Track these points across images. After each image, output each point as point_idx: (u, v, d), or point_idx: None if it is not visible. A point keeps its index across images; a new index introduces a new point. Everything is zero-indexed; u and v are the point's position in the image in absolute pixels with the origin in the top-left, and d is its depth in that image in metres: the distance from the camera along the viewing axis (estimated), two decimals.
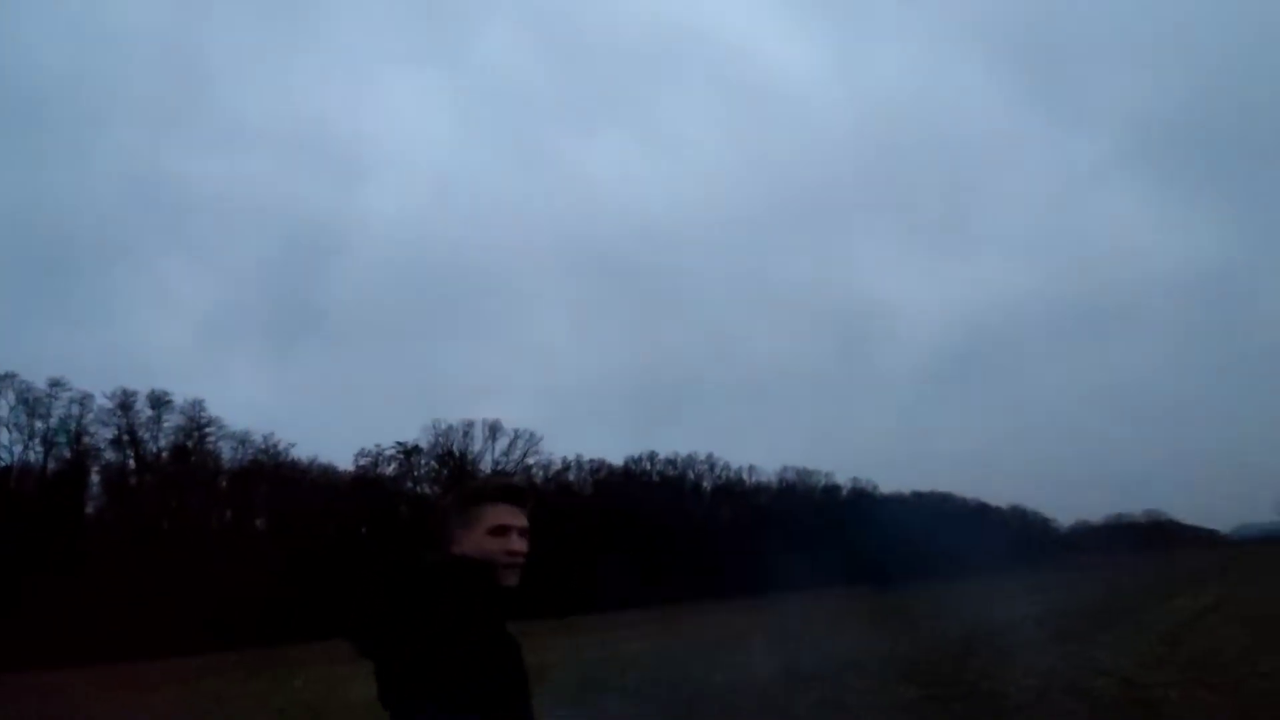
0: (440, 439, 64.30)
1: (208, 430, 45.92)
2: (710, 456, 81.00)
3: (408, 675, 1.77)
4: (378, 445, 61.35)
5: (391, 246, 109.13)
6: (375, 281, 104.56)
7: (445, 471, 63.77)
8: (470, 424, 65.67)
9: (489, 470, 65.32)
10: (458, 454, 64.34)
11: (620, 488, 70.42)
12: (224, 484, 47.41)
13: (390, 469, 61.26)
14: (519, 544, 1.92)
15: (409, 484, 62.75)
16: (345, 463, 57.69)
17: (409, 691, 1.77)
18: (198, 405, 45.56)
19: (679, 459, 78.46)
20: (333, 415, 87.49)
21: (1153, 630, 14.88)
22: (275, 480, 48.75)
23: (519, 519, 1.95)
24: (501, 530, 1.92)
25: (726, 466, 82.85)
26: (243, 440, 47.54)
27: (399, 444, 61.45)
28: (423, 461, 63.62)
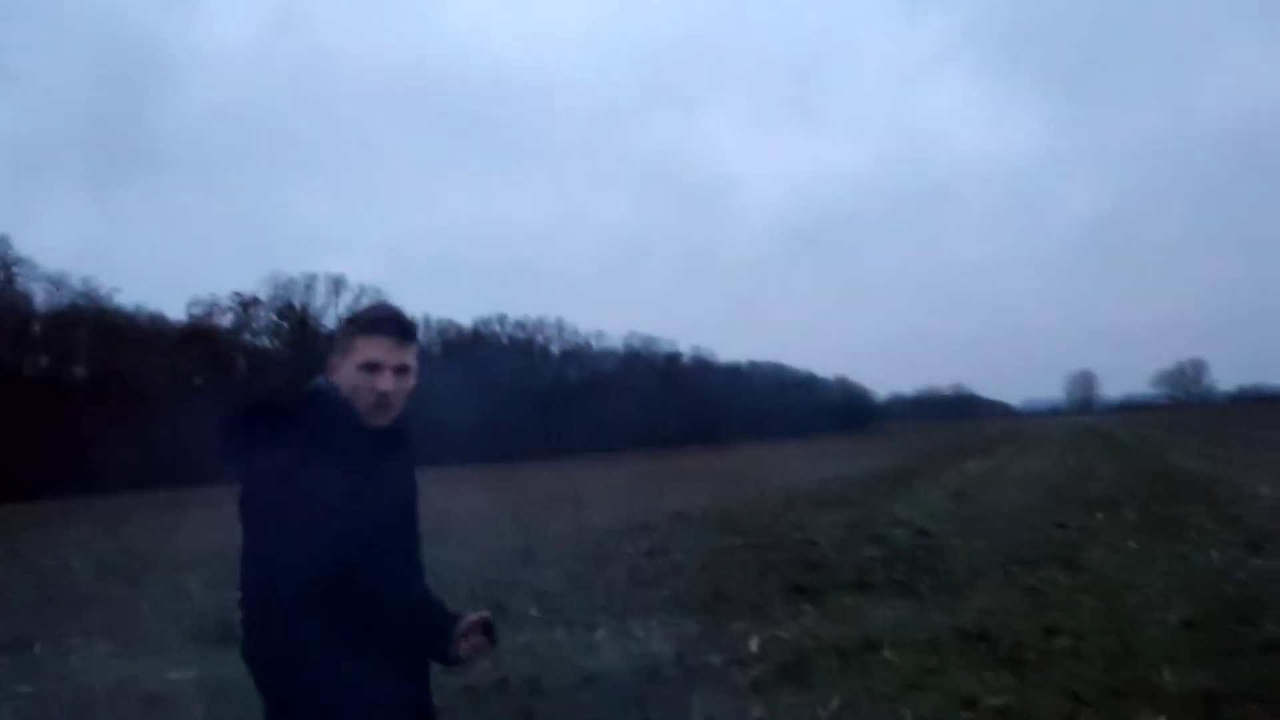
0: (280, 291, 61.13)
1: (16, 270, 41.52)
2: (559, 321, 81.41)
3: (245, 499, 1.74)
4: (212, 295, 57.75)
5: (230, 80, 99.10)
6: (211, 117, 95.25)
7: (286, 325, 61.02)
8: (313, 277, 62.60)
9: (334, 326, 63.08)
10: (299, 308, 61.49)
11: (469, 348, 69.84)
12: (38, 329, 43.45)
13: (226, 320, 57.95)
14: (386, 383, 1.78)
15: (247, 336, 59.75)
16: (176, 312, 54.17)
17: (245, 514, 1.75)
18: (4, 242, 41.00)
19: (528, 322, 78.25)
20: (162, 261, 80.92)
21: (945, 488, 16.63)
22: (96, 327, 45.06)
23: (395, 356, 1.80)
24: (372, 367, 1.78)
25: (575, 331, 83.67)
26: (58, 283, 43.30)
27: (236, 295, 58.03)
28: (262, 314, 60.47)
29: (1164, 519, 10.47)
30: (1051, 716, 4.02)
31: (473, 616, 1.88)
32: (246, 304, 58.45)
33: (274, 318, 61.32)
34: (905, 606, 6.59)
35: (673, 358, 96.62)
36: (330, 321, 63.24)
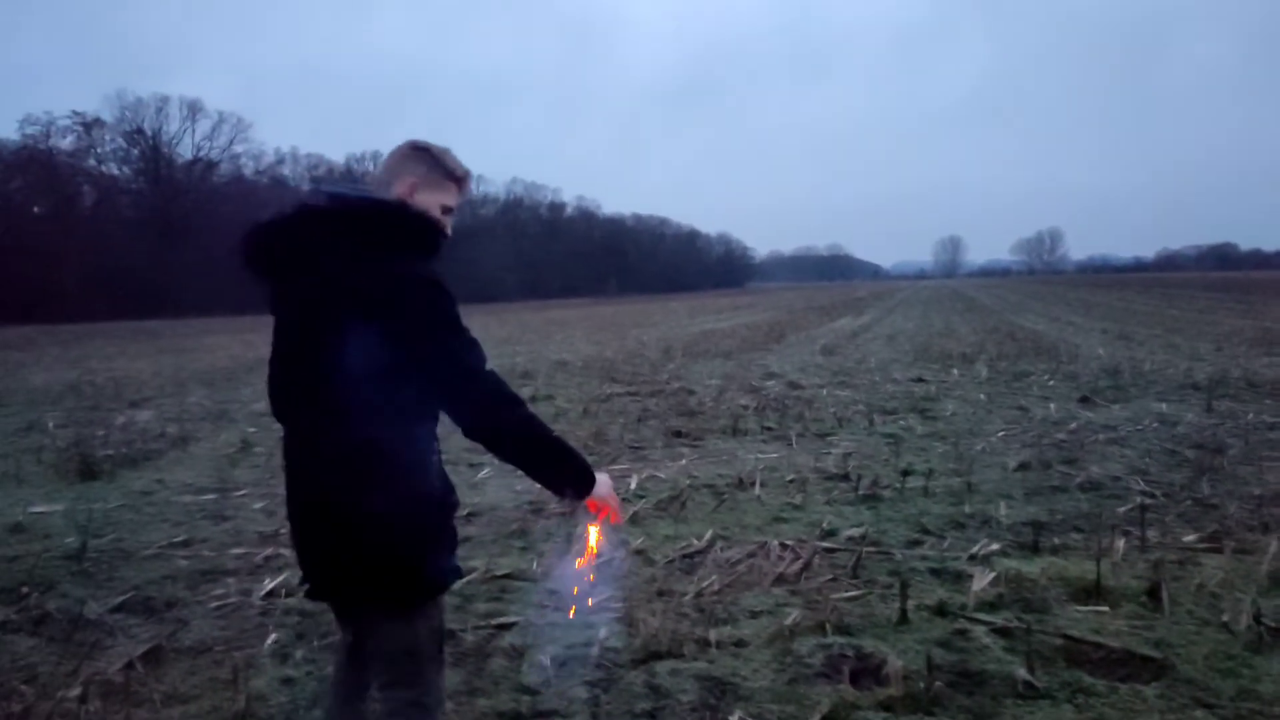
0: (128, 113, 55.83)
1: None
2: None
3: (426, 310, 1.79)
4: (49, 113, 52.23)
5: None
6: None
7: (136, 152, 56.08)
8: (165, 100, 57.35)
9: (193, 156, 58.64)
10: (150, 133, 56.44)
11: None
12: None
13: (67, 143, 52.59)
14: (449, 229, 1.99)
15: (91, 162, 54.65)
16: (7, 131, 48.96)
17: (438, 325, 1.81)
18: None
19: None
20: None
21: (816, 344, 17.40)
22: None
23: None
24: (449, 210, 1.98)
25: None
26: None
27: (76, 114, 52.52)
28: (107, 138, 55.19)
29: (1011, 374, 11.34)
30: (901, 544, 4.43)
31: None
32: (89, 125, 53.20)
33: (121, 143, 56.24)
34: (775, 450, 6.99)
35: (556, 207, 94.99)
36: (186, 151, 58.61)
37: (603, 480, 1.99)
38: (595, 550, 2.11)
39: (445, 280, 1.83)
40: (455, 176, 1.98)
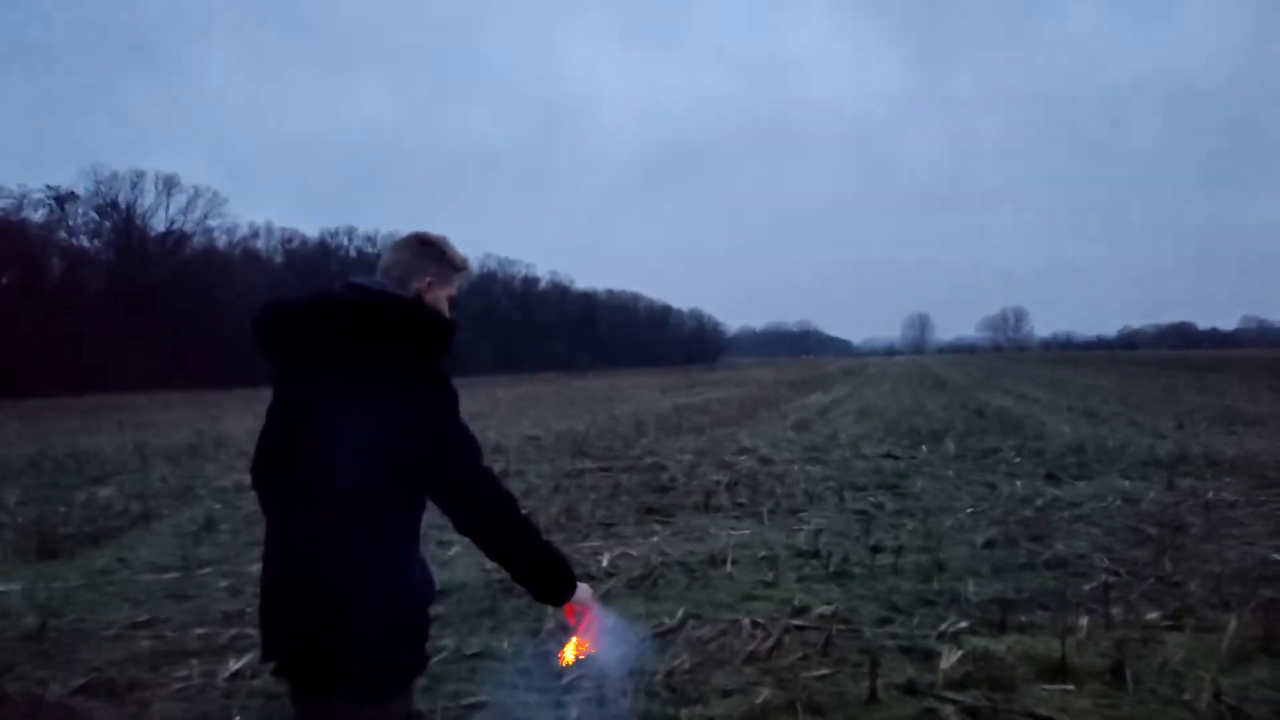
0: (103, 187, 55.95)
1: None
2: None
3: (441, 405, 1.85)
4: (21, 186, 52.35)
5: None
6: None
7: (109, 225, 56.00)
8: (140, 175, 57.52)
9: (165, 229, 58.75)
10: (124, 207, 56.50)
11: (314, 261, 66.60)
12: None
13: (39, 216, 52.62)
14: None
15: (62, 234, 54.58)
16: None
17: (447, 418, 1.86)
18: None
19: (378, 236, 75.07)
20: None
21: (787, 419, 17.53)
22: None
23: None
24: (451, 300, 2.08)
25: None
26: None
27: (50, 188, 52.66)
28: (80, 211, 55.22)
29: (979, 451, 11.49)
30: (871, 622, 4.45)
31: None
32: (62, 199, 53.27)
33: (95, 216, 56.27)
34: (747, 527, 7.01)
35: (530, 281, 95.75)
36: (160, 224, 58.67)
37: (583, 588, 2.02)
38: (572, 658, 2.11)
39: (450, 379, 1.87)
40: (457, 267, 2.08)
